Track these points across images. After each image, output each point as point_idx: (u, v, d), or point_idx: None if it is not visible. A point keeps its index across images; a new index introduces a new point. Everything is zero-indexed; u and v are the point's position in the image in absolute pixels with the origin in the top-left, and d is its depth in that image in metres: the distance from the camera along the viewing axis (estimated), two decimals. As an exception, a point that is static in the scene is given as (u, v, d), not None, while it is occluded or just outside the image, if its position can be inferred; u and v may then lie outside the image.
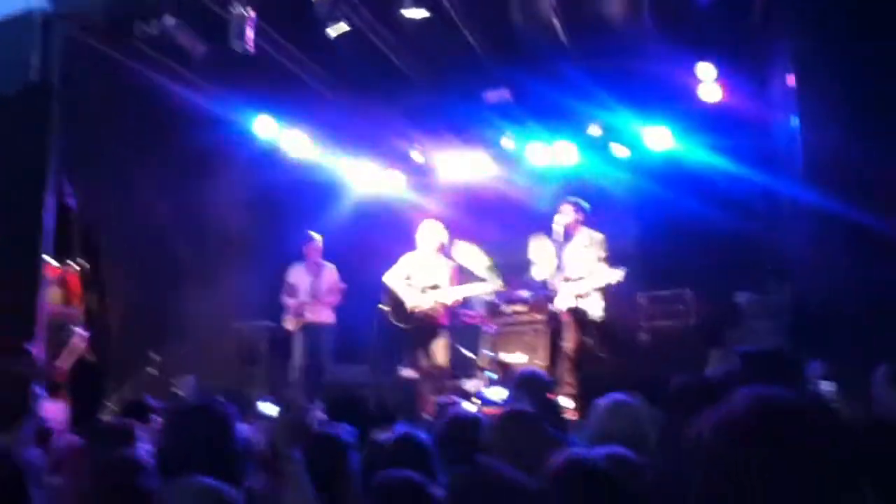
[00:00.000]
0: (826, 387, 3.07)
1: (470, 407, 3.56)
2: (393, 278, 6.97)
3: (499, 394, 6.09)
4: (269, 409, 3.72)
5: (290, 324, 7.54)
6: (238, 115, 7.90)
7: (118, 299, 6.90)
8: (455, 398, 4.54)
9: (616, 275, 6.33)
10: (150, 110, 7.23)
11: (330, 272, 7.70)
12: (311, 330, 7.50)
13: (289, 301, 7.59)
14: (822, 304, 5.89)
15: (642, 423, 2.98)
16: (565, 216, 6.64)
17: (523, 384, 3.35)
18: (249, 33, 6.14)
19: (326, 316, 7.59)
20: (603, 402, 3.09)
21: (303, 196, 8.68)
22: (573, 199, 6.78)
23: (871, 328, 5.49)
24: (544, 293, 6.87)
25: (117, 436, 3.06)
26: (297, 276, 7.68)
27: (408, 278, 6.92)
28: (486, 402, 6.33)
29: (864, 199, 5.50)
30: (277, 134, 8.30)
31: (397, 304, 6.90)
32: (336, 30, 6.73)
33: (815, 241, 6.12)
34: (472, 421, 3.10)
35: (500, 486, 1.47)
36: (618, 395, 3.10)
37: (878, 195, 5.55)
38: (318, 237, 7.76)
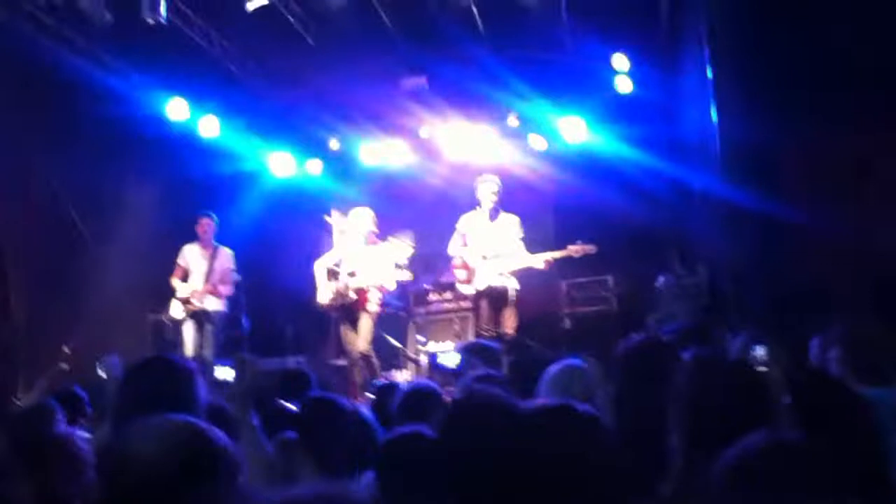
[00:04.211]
0: (760, 350, 3.22)
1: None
2: (320, 265, 6.84)
3: (453, 360, 6.05)
4: (226, 374, 3.56)
5: (176, 311, 6.90)
6: (147, 94, 7.55)
7: (23, 290, 6.46)
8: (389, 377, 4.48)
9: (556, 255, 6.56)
10: (52, 85, 6.78)
11: (225, 257, 7.12)
12: (199, 319, 6.90)
13: (178, 285, 6.96)
14: (734, 286, 6.14)
15: (593, 386, 3.02)
16: (490, 190, 6.71)
17: (476, 352, 3.35)
18: (162, 3, 5.88)
19: (217, 304, 6.98)
20: (554, 367, 3.11)
21: (217, 182, 8.39)
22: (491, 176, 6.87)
23: (781, 310, 5.75)
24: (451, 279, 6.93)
25: (37, 415, 2.86)
26: (191, 257, 7.06)
27: (336, 265, 6.80)
28: (441, 368, 6.29)
29: (775, 188, 5.74)
30: (189, 116, 7.99)
31: (322, 287, 6.77)
32: (254, 3, 6.57)
33: (727, 227, 6.36)
34: (430, 391, 3.08)
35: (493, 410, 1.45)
36: (569, 360, 3.13)
37: (788, 184, 5.80)
38: (211, 216, 7.13)
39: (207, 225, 7.09)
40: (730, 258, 6.29)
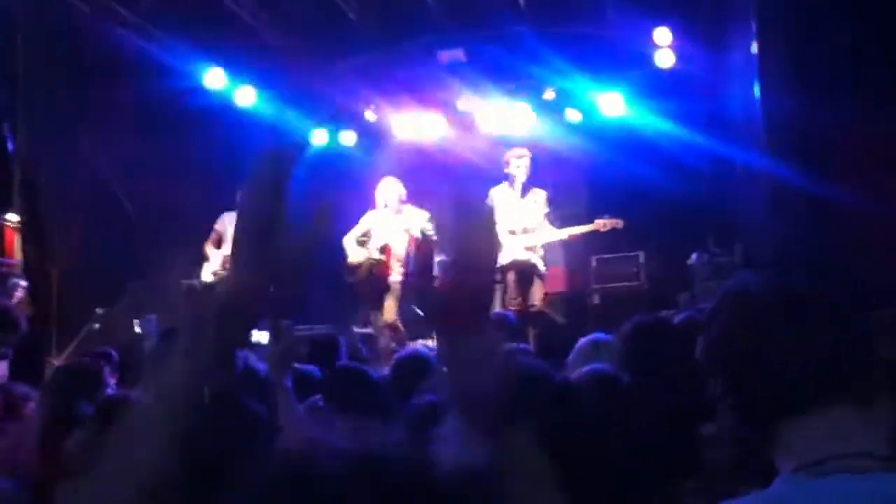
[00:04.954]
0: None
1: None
2: (348, 238, 6.96)
3: None
4: (260, 337, 3.62)
5: (210, 276, 6.89)
6: (187, 66, 7.60)
7: (60, 252, 6.59)
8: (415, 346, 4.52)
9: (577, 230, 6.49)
10: (95, 55, 6.86)
11: None
12: None
13: (212, 251, 6.96)
14: (774, 266, 6.00)
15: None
16: (523, 164, 6.67)
17: (499, 326, 3.35)
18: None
19: None
20: (583, 340, 3.10)
21: (253, 152, 8.43)
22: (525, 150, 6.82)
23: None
24: None
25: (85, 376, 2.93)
26: (229, 224, 6.97)
27: (364, 236, 6.88)
28: None
29: (822, 166, 5.57)
30: (228, 87, 8.03)
31: (349, 261, 6.91)
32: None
33: (769, 205, 6.22)
34: (422, 359, 3.12)
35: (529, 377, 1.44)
36: (598, 334, 3.12)
37: (836, 161, 5.63)
38: None
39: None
40: (773, 236, 6.17)
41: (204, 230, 7.11)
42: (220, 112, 8.20)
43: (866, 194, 5.18)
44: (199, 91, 7.85)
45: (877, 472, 1.07)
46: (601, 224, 6.62)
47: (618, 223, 6.60)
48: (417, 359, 3.06)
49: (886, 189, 5.12)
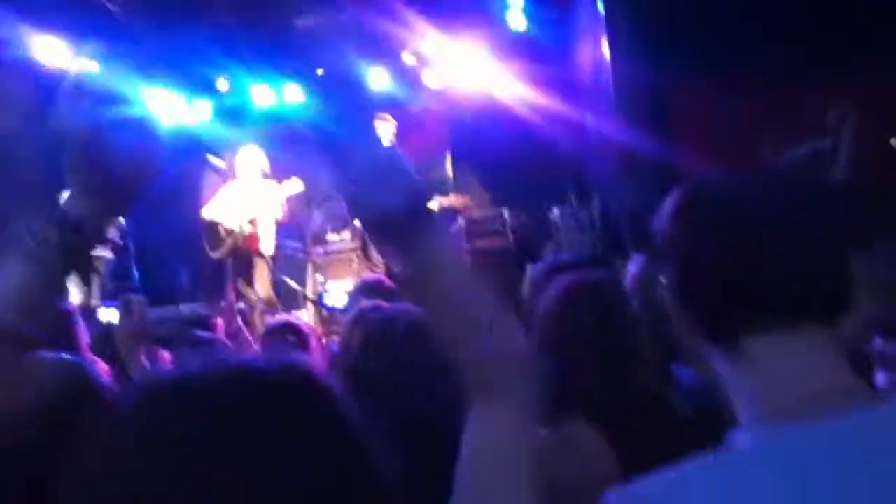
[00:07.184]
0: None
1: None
2: (209, 209, 6.70)
3: (340, 300, 6.05)
4: (110, 315, 3.43)
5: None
6: (14, 34, 7.00)
7: None
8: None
9: None
10: None
11: None
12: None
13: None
14: (627, 221, 6.30)
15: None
16: (389, 132, 6.69)
17: (369, 291, 3.32)
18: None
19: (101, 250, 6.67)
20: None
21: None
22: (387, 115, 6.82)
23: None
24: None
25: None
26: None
27: (227, 208, 6.66)
28: (328, 308, 6.31)
29: (667, 131, 5.82)
30: (64, 58, 7.47)
31: (212, 233, 6.66)
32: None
33: (618, 169, 6.48)
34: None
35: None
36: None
37: (677, 126, 5.89)
38: None
39: None
40: (624, 196, 6.44)
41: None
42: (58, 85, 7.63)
43: (706, 158, 5.45)
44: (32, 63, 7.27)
45: (858, 410, 0.87)
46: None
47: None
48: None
49: (725, 151, 5.38)
